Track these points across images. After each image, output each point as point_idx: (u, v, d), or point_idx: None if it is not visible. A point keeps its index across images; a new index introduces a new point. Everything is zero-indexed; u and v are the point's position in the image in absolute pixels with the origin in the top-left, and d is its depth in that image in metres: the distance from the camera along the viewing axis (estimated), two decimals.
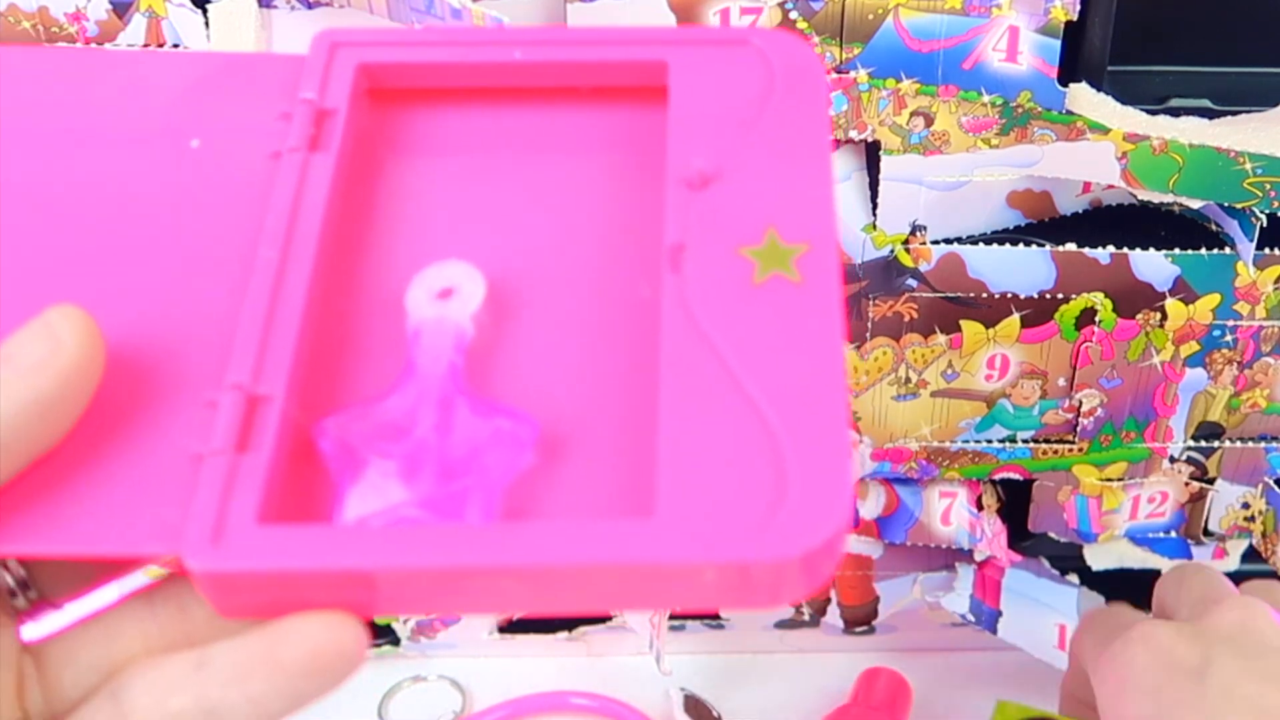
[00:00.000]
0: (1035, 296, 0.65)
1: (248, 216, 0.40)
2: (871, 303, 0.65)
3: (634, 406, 0.37)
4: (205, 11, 0.60)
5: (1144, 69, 0.64)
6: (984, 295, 0.65)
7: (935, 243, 0.64)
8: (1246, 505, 0.71)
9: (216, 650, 0.35)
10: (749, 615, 0.78)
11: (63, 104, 0.42)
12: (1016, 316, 0.66)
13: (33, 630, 0.38)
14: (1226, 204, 0.62)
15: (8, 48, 0.44)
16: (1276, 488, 0.70)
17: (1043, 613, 0.73)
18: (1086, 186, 0.65)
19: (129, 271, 0.39)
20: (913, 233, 0.64)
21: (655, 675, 0.76)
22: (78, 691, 0.37)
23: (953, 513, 0.72)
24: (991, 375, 0.67)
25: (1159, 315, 0.65)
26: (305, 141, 0.40)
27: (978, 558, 0.74)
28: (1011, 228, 0.65)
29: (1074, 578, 0.74)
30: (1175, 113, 0.61)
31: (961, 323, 0.66)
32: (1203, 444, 0.69)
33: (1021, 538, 0.73)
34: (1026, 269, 0.64)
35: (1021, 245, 0.64)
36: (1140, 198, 0.63)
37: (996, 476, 0.71)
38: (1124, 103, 0.61)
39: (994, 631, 0.74)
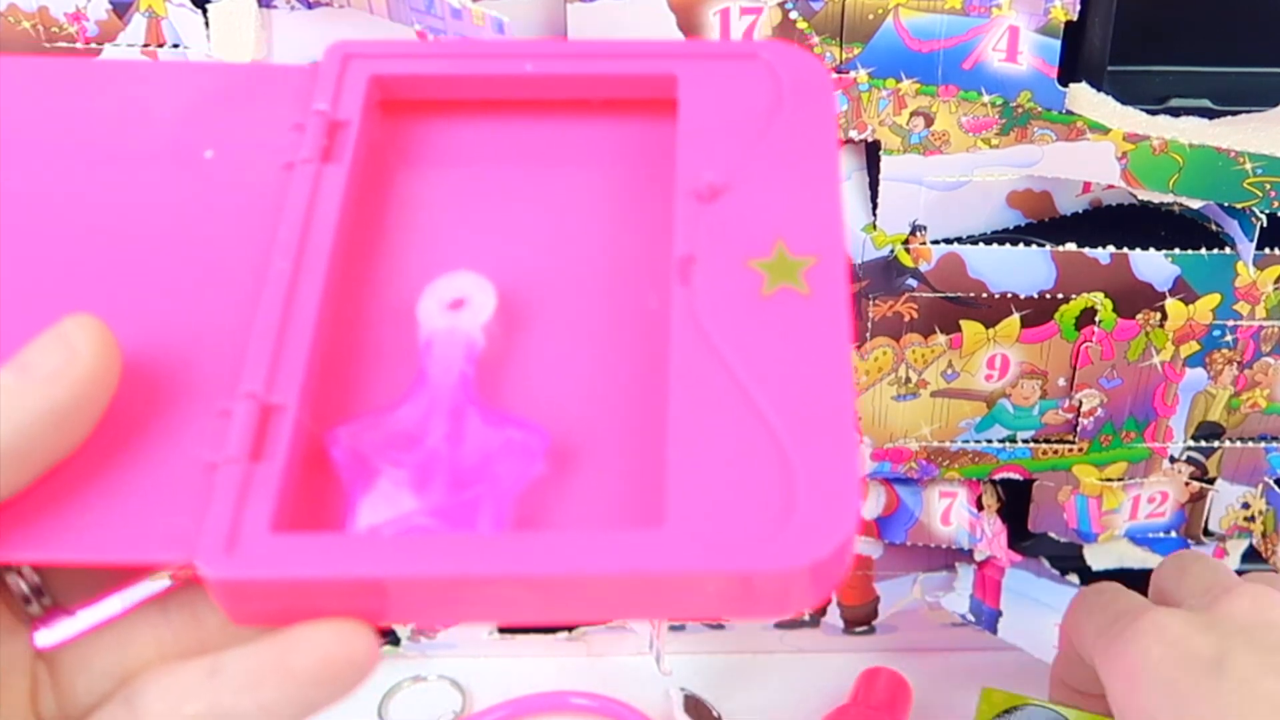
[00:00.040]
0: (1035, 296, 0.65)
1: (261, 227, 0.40)
2: (871, 303, 0.65)
3: (643, 417, 0.37)
4: (205, 11, 0.60)
5: (1144, 69, 0.64)
6: (984, 295, 0.65)
7: (935, 243, 0.64)
8: (1246, 505, 0.71)
9: (229, 657, 0.35)
10: None
11: (79, 115, 0.43)
12: (1016, 316, 0.66)
13: (46, 637, 0.38)
14: (1226, 204, 0.62)
15: (27, 58, 0.44)
16: (1276, 488, 0.71)
17: (1043, 613, 0.73)
18: (1086, 186, 0.65)
19: (144, 281, 0.39)
20: (913, 233, 0.64)
21: (655, 675, 0.76)
22: (91, 698, 0.37)
23: (953, 513, 0.72)
24: (991, 375, 0.67)
25: (1159, 315, 0.65)
26: (318, 152, 0.41)
27: (978, 558, 0.74)
28: (1011, 228, 0.65)
29: (1074, 578, 0.74)
30: (1175, 113, 0.61)
31: (961, 323, 0.66)
32: (1203, 444, 0.70)
33: (1021, 538, 0.73)
34: (1026, 269, 0.64)
35: (1021, 245, 0.64)
36: (1140, 198, 0.63)
37: (996, 476, 0.71)
38: (1124, 103, 0.60)
39: (994, 631, 0.75)
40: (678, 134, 0.41)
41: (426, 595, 0.34)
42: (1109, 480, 0.70)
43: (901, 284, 0.65)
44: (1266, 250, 0.63)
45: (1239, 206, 0.62)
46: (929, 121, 0.61)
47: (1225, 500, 0.72)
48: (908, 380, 0.68)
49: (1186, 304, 0.64)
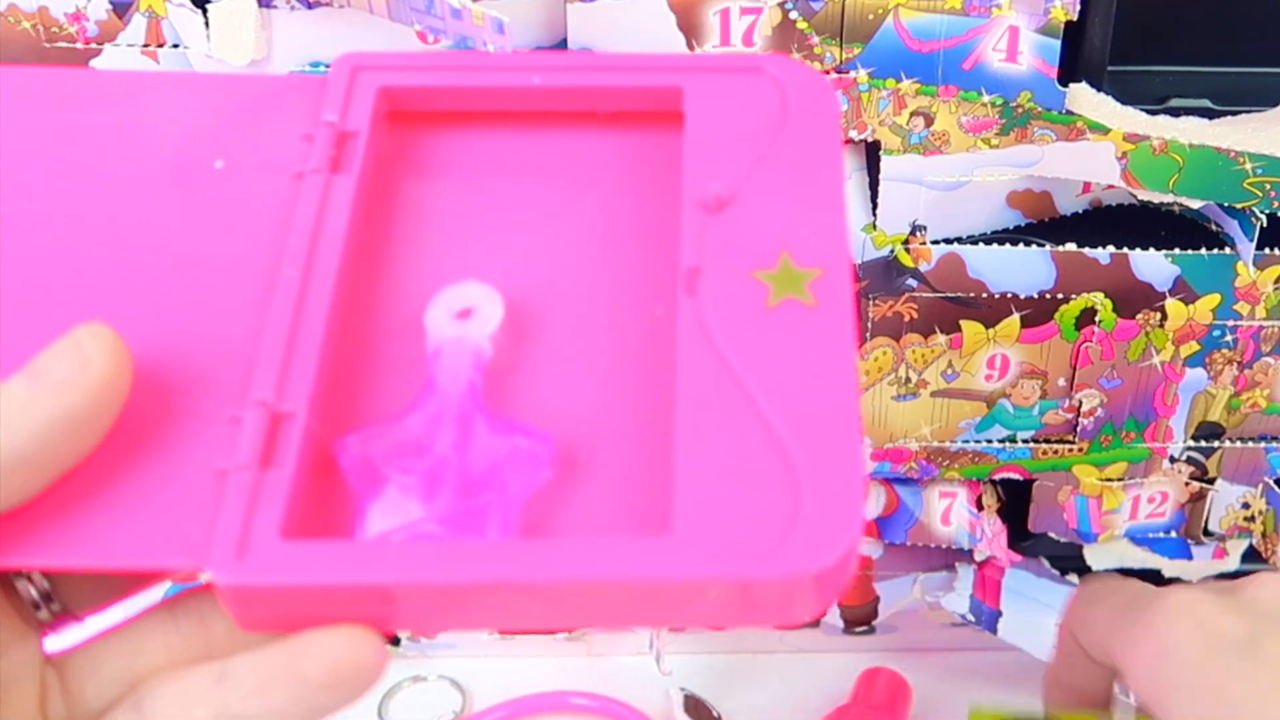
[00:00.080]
0: (1035, 296, 0.65)
1: (270, 236, 0.40)
2: (871, 303, 0.65)
3: (649, 426, 0.38)
4: (205, 11, 0.60)
5: (1144, 69, 0.64)
6: (984, 295, 0.65)
7: (935, 243, 0.64)
8: (1246, 505, 0.72)
9: (238, 663, 0.35)
10: None
11: (91, 126, 0.43)
12: (1016, 316, 0.66)
13: (56, 642, 0.38)
14: (1226, 204, 0.62)
15: (39, 69, 0.45)
16: (1276, 488, 0.71)
17: (1043, 613, 0.73)
18: (1086, 186, 0.65)
19: (155, 289, 0.39)
20: (913, 233, 0.64)
21: (655, 675, 0.77)
22: (100, 703, 0.37)
23: (953, 513, 0.72)
24: (991, 375, 0.68)
25: (1159, 315, 0.65)
26: (327, 163, 0.41)
27: (978, 558, 0.75)
28: (1011, 228, 0.65)
29: (1074, 578, 0.74)
30: (1175, 113, 0.62)
31: (961, 323, 0.66)
32: (1203, 444, 0.70)
33: (1021, 538, 0.73)
34: (1026, 269, 0.64)
35: (1021, 245, 0.64)
36: (1140, 198, 0.63)
37: (996, 476, 0.71)
38: (1124, 103, 0.61)
39: (994, 631, 0.75)
40: (684, 146, 0.41)
41: (434, 602, 0.35)
42: (1109, 480, 0.70)
43: (901, 284, 0.65)
44: (1266, 250, 0.63)
45: (1239, 206, 0.62)
46: (929, 121, 0.61)
47: (1225, 500, 0.72)
48: (908, 380, 0.68)
49: (1186, 304, 0.64)
